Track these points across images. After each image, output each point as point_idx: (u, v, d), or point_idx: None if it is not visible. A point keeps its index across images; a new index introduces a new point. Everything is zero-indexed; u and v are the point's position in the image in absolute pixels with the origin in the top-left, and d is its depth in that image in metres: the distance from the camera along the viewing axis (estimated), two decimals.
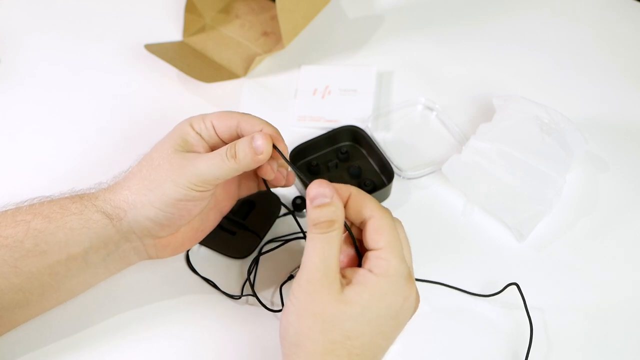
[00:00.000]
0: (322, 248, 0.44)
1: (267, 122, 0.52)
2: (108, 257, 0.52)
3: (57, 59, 0.77)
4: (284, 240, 0.60)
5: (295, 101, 0.72)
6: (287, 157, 0.51)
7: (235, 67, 0.76)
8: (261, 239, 0.61)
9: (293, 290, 0.44)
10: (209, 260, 0.60)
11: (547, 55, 0.76)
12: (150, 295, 0.57)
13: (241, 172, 0.50)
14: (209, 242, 0.60)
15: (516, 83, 0.73)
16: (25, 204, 0.52)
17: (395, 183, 0.63)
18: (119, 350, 0.55)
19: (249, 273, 0.58)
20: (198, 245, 0.60)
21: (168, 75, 0.74)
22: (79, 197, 0.52)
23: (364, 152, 0.67)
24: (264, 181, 0.56)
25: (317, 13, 0.75)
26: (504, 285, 0.56)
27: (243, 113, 0.52)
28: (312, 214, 0.44)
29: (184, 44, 0.78)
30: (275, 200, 0.62)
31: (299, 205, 0.62)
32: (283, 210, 0.62)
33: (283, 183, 0.55)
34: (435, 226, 0.62)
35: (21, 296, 0.50)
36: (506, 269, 0.59)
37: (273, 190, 0.63)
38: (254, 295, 0.57)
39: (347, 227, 0.47)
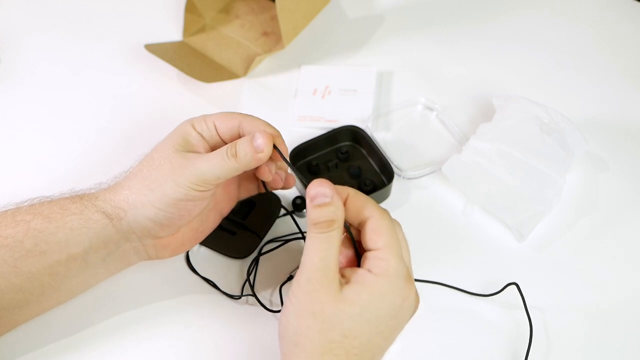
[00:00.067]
0: (322, 248, 0.44)
1: (268, 123, 0.52)
2: (108, 257, 0.52)
3: (57, 59, 0.77)
4: (284, 240, 0.60)
5: (295, 101, 0.72)
6: (287, 158, 0.51)
7: (235, 67, 0.76)
8: (261, 239, 0.61)
9: (293, 289, 0.44)
10: (209, 260, 0.60)
11: (547, 55, 0.76)
12: (150, 295, 0.57)
13: (241, 172, 0.50)
14: (209, 242, 0.60)
15: (516, 83, 0.73)
16: (25, 204, 0.52)
17: (395, 183, 0.63)
18: (119, 350, 0.55)
19: (249, 273, 0.58)
20: (198, 245, 0.60)
21: (168, 75, 0.74)
22: (79, 197, 0.52)
23: (364, 152, 0.67)
24: (263, 183, 0.56)
25: (317, 13, 0.75)
26: (504, 286, 0.56)
27: (245, 114, 0.52)
28: (312, 214, 0.44)
29: (184, 44, 0.78)
30: (275, 201, 0.62)
31: (298, 206, 0.62)
32: (283, 211, 0.62)
33: (281, 185, 0.56)
34: (435, 226, 0.62)
35: (21, 296, 0.50)
36: (506, 269, 0.59)
37: (274, 191, 0.63)
38: (254, 295, 0.57)
39: (347, 228, 0.47)
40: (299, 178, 0.49)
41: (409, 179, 0.65)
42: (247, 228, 0.61)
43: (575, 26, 0.79)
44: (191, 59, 0.75)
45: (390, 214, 0.47)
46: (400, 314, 0.45)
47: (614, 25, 0.79)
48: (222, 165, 0.49)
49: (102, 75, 0.76)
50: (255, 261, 0.59)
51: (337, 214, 0.44)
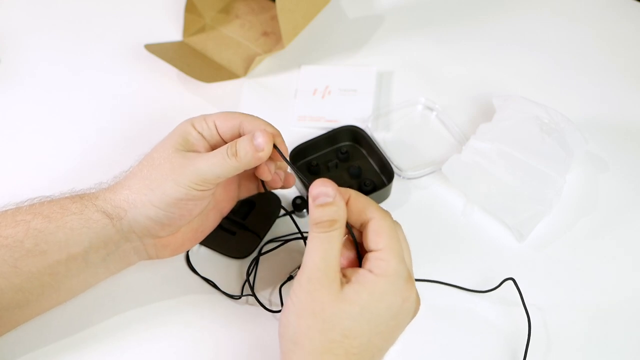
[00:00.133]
0: (323, 247, 0.44)
1: (268, 123, 0.52)
2: (108, 257, 0.52)
3: (57, 59, 0.77)
4: (283, 240, 0.60)
5: (295, 101, 0.72)
6: (287, 157, 0.51)
7: (235, 67, 0.76)
8: (261, 239, 0.61)
9: (294, 289, 0.44)
10: (209, 260, 0.60)
11: (547, 55, 0.76)
12: (150, 295, 0.57)
13: (242, 171, 0.50)
14: (209, 242, 0.60)
15: (516, 83, 0.73)
16: (26, 204, 0.52)
17: (395, 183, 0.63)
18: (119, 350, 0.55)
19: (248, 274, 0.58)
20: (198, 245, 0.60)
21: (168, 75, 0.74)
22: (79, 197, 0.52)
23: (364, 152, 0.67)
24: (262, 182, 0.56)
25: (317, 13, 0.75)
26: (501, 281, 0.57)
27: (245, 113, 0.52)
28: (314, 213, 0.44)
29: (184, 44, 0.78)
30: (275, 201, 0.62)
31: (298, 206, 0.62)
32: (283, 211, 0.62)
33: (280, 185, 0.56)
34: (435, 226, 0.62)
35: (21, 296, 0.50)
36: (506, 269, 0.59)
37: (274, 191, 0.63)
38: (254, 295, 0.57)
39: (349, 229, 0.47)
40: (298, 177, 0.49)
41: (409, 179, 0.65)
42: (247, 228, 0.61)
43: (575, 26, 0.79)
44: (191, 59, 0.75)
45: (391, 215, 0.47)
46: (400, 315, 0.45)
47: (614, 25, 0.79)
48: (223, 164, 0.49)
49: (102, 75, 0.76)
50: (255, 261, 0.59)
51: (339, 214, 0.44)
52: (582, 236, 0.61)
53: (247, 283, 0.58)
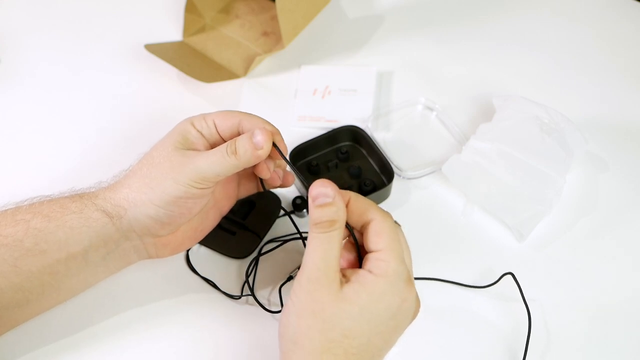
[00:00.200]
0: (323, 247, 0.44)
1: (268, 121, 0.52)
2: (108, 255, 0.52)
3: (57, 59, 0.77)
4: (282, 240, 0.60)
5: (295, 101, 0.72)
6: (286, 156, 0.51)
7: (235, 67, 0.76)
8: (261, 239, 0.61)
9: (294, 289, 0.45)
10: (209, 260, 0.60)
11: (547, 55, 0.76)
12: (150, 295, 0.57)
13: (241, 169, 0.50)
14: (209, 242, 0.60)
15: (516, 83, 0.73)
16: (25, 203, 0.52)
17: (395, 183, 0.63)
18: (119, 350, 0.55)
19: (247, 275, 0.58)
20: (198, 245, 0.60)
21: (168, 75, 0.74)
22: (78, 196, 0.52)
23: (364, 152, 0.67)
24: (261, 181, 0.56)
25: (317, 13, 0.75)
26: (500, 276, 0.57)
27: (245, 112, 0.53)
28: (313, 214, 0.44)
29: (184, 44, 0.78)
30: (276, 201, 0.62)
31: (298, 206, 0.62)
32: (282, 211, 0.62)
33: (279, 183, 0.56)
34: (435, 226, 0.62)
35: (21, 295, 0.50)
36: (506, 269, 0.58)
37: (274, 190, 0.63)
38: (253, 296, 0.57)
39: (350, 230, 0.47)
40: (296, 174, 0.49)
41: (409, 179, 0.65)
42: (247, 228, 0.61)
43: (575, 26, 0.79)
44: (191, 59, 0.75)
45: (392, 216, 0.47)
46: (400, 315, 0.45)
47: (614, 25, 0.79)
48: (222, 163, 0.49)
49: (102, 75, 0.76)
50: (255, 261, 0.59)
51: (339, 214, 0.44)
52: (582, 236, 0.61)
53: (249, 285, 0.57)
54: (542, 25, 0.79)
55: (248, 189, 0.58)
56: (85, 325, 0.56)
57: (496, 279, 0.57)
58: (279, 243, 0.60)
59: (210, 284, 0.58)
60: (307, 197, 0.48)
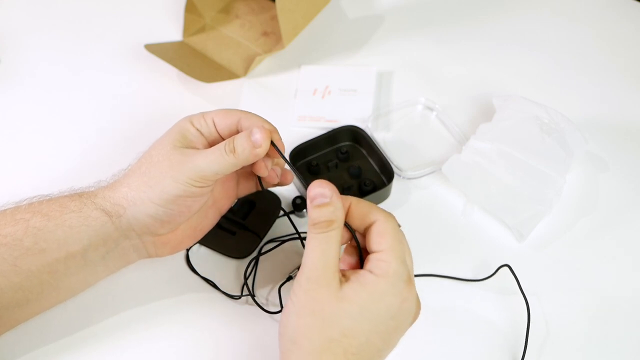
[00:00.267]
0: (321, 247, 0.44)
1: (266, 120, 0.52)
2: (107, 254, 0.52)
3: (57, 59, 0.77)
4: (281, 240, 0.60)
5: (295, 101, 0.72)
6: (285, 154, 0.51)
7: (235, 67, 0.76)
8: (261, 239, 0.61)
9: (293, 289, 0.45)
10: (208, 260, 0.60)
11: (547, 55, 0.76)
12: (150, 295, 0.57)
13: (239, 167, 0.51)
14: (208, 241, 0.60)
15: (516, 83, 0.73)
16: (25, 202, 0.52)
17: (395, 183, 0.63)
18: (119, 350, 0.55)
19: (246, 277, 0.58)
20: (198, 245, 0.60)
21: (168, 75, 0.74)
22: (77, 195, 0.52)
23: (364, 152, 0.67)
24: (259, 180, 0.56)
25: (317, 13, 0.75)
26: (496, 268, 0.57)
27: (244, 111, 0.53)
28: (311, 214, 0.45)
29: (184, 44, 0.78)
30: (276, 201, 0.62)
31: (298, 205, 0.62)
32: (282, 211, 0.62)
33: (277, 182, 0.56)
34: (435, 226, 0.62)
35: (21, 295, 0.50)
36: (506, 270, 0.59)
37: (274, 190, 0.63)
38: (251, 296, 0.57)
39: (352, 231, 0.47)
40: (294, 172, 0.49)
41: (409, 179, 0.65)
42: (247, 228, 0.61)
43: (575, 26, 0.79)
44: (191, 59, 0.75)
45: (395, 217, 0.47)
46: (400, 316, 0.45)
47: (614, 25, 0.79)
48: (220, 161, 0.49)
49: (102, 75, 0.76)
50: (255, 261, 0.59)
51: (337, 214, 0.44)
52: (582, 236, 0.61)
53: (248, 286, 0.57)
54: (542, 25, 0.79)
55: (247, 188, 0.58)
56: (85, 325, 0.56)
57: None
58: (277, 243, 0.60)
59: (210, 284, 0.58)
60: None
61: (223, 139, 0.52)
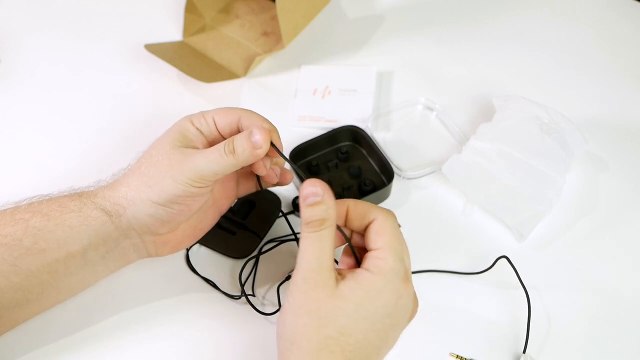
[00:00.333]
0: (315, 246, 0.44)
1: (266, 119, 0.52)
2: (107, 254, 0.52)
3: (57, 59, 0.77)
4: (280, 240, 0.60)
5: (295, 101, 0.72)
6: (283, 153, 0.51)
7: (235, 67, 0.76)
8: (261, 239, 0.61)
9: (290, 289, 0.45)
10: (209, 260, 0.60)
11: (547, 55, 0.76)
12: (150, 295, 0.57)
13: (239, 167, 0.50)
14: (208, 241, 0.60)
15: (516, 83, 0.73)
16: (24, 202, 0.52)
17: (395, 183, 0.63)
18: (119, 350, 0.55)
19: (241, 277, 0.58)
20: (198, 244, 0.60)
21: (168, 75, 0.74)
22: (77, 195, 0.52)
23: (364, 152, 0.67)
24: (258, 179, 0.56)
25: (317, 13, 0.75)
26: (494, 260, 0.57)
27: (244, 109, 0.53)
28: (304, 213, 0.45)
29: (184, 44, 0.78)
30: (276, 201, 0.62)
31: (298, 205, 0.62)
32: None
33: (276, 181, 0.56)
34: (435, 226, 0.62)
35: (20, 295, 0.50)
36: (506, 270, 0.59)
37: (274, 190, 0.63)
38: (245, 296, 0.56)
39: (345, 236, 0.47)
40: (295, 171, 0.49)
41: (409, 179, 0.65)
42: (247, 228, 0.61)
43: (575, 26, 0.79)
44: (191, 59, 0.75)
45: (395, 214, 0.47)
46: (396, 313, 0.45)
47: (614, 25, 0.79)
48: (220, 162, 0.49)
49: (102, 75, 0.76)
50: (255, 261, 0.59)
51: (329, 213, 0.44)
52: (582, 236, 0.61)
53: (247, 282, 0.57)
54: (542, 25, 0.79)
55: (247, 188, 0.58)
56: (85, 325, 0.56)
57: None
58: (276, 243, 0.60)
59: (210, 284, 0.58)
60: None
61: (224, 138, 0.53)
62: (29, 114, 0.72)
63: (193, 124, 0.52)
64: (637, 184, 0.65)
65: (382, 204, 0.64)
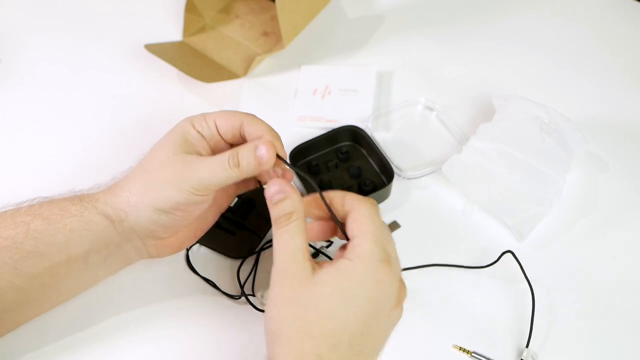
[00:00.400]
0: (286, 238, 0.45)
1: (269, 126, 0.52)
2: (109, 257, 0.52)
3: (57, 59, 0.77)
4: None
5: (295, 101, 0.72)
6: (286, 158, 0.51)
7: (235, 67, 0.76)
8: (261, 239, 0.61)
9: (270, 285, 0.45)
10: (208, 260, 0.60)
11: (547, 55, 0.76)
12: (150, 295, 0.57)
13: (243, 178, 0.50)
14: (209, 241, 0.60)
15: (516, 83, 0.73)
16: (25, 204, 0.52)
17: (395, 183, 0.63)
18: (119, 350, 0.55)
19: (239, 276, 0.58)
20: (198, 245, 0.60)
21: (168, 75, 0.74)
22: (78, 199, 0.52)
23: (364, 152, 0.67)
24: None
25: (317, 13, 0.75)
26: (500, 254, 0.58)
27: (246, 113, 0.52)
28: (272, 212, 0.46)
29: (184, 44, 0.78)
30: None
31: None
32: None
33: None
34: (435, 226, 0.62)
35: (21, 297, 0.50)
36: (506, 270, 0.59)
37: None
38: (244, 295, 0.57)
39: (335, 219, 0.48)
40: (298, 175, 0.49)
41: (409, 179, 0.65)
42: (247, 228, 0.61)
43: (575, 26, 0.79)
44: (191, 59, 0.75)
45: (373, 202, 0.48)
46: (377, 298, 0.45)
47: (614, 25, 0.79)
48: (224, 174, 0.49)
49: (102, 75, 0.76)
50: (255, 261, 0.59)
51: (294, 206, 0.46)
52: (582, 236, 0.61)
53: (246, 282, 0.57)
54: (542, 25, 0.79)
55: (246, 186, 0.58)
56: (84, 324, 0.56)
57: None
58: (265, 243, 0.60)
59: (210, 284, 0.58)
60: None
61: (225, 142, 0.52)
62: (29, 114, 0.72)
63: (194, 127, 0.52)
64: (637, 184, 0.65)
65: (382, 204, 0.64)
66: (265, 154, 0.49)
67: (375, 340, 0.46)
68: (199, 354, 0.54)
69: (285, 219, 0.46)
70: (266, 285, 0.58)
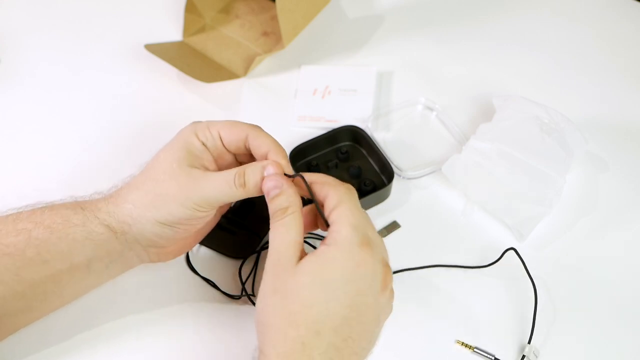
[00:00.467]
0: (281, 231, 0.46)
1: (275, 141, 0.51)
2: (111, 264, 0.52)
3: (57, 59, 0.77)
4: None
5: (295, 101, 0.72)
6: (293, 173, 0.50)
7: (235, 67, 0.76)
8: (261, 239, 0.61)
9: (262, 277, 0.46)
10: (209, 260, 0.60)
11: (547, 55, 0.76)
12: (151, 295, 0.57)
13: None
14: (209, 242, 0.60)
15: (516, 83, 0.73)
16: (26, 210, 0.51)
17: (395, 183, 0.63)
18: (119, 351, 0.55)
19: (241, 276, 0.58)
20: (198, 245, 0.60)
21: (168, 75, 0.74)
22: (80, 208, 0.51)
23: (364, 152, 0.67)
24: None
25: (317, 13, 0.75)
26: (503, 252, 0.58)
27: (251, 125, 0.52)
28: (269, 207, 0.47)
29: (184, 44, 0.78)
30: None
31: None
32: None
33: None
34: (435, 226, 0.62)
35: (23, 303, 0.49)
36: (506, 270, 0.59)
37: None
38: (247, 295, 0.57)
39: (318, 207, 0.48)
40: (311, 195, 0.49)
41: (409, 179, 0.65)
42: (247, 228, 0.61)
43: (575, 26, 0.79)
44: (191, 59, 0.75)
45: (346, 186, 0.48)
46: (358, 281, 0.45)
47: (614, 25, 0.79)
48: (229, 192, 0.49)
49: (102, 75, 0.76)
50: (255, 261, 0.59)
51: (290, 200, 0.47)
52: (582, 236, 0.61)
53: (242, 285, 0.58)
54: (542, 25, 0.79)
55: None
56: (86, 326, 0.55)
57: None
58: (265, 243, 0.60)
59: (210, 284, 0.58)
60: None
61: (229, 152, 0.52)
62: (29, 114, 0.72)
63: (198, 138, 0.51)
64: (637, 184, 0.65)
65: (382, 204, 0.64)
66: (273, 179, 0.49)
67: (363, 325, 0.46)
68: (198, 354, 0.54)
69: (282, 212, 0.46)
70: None
